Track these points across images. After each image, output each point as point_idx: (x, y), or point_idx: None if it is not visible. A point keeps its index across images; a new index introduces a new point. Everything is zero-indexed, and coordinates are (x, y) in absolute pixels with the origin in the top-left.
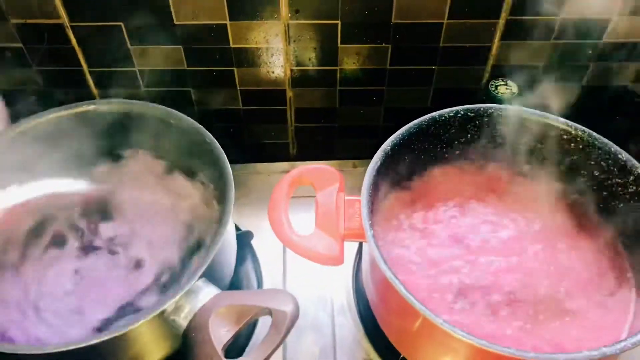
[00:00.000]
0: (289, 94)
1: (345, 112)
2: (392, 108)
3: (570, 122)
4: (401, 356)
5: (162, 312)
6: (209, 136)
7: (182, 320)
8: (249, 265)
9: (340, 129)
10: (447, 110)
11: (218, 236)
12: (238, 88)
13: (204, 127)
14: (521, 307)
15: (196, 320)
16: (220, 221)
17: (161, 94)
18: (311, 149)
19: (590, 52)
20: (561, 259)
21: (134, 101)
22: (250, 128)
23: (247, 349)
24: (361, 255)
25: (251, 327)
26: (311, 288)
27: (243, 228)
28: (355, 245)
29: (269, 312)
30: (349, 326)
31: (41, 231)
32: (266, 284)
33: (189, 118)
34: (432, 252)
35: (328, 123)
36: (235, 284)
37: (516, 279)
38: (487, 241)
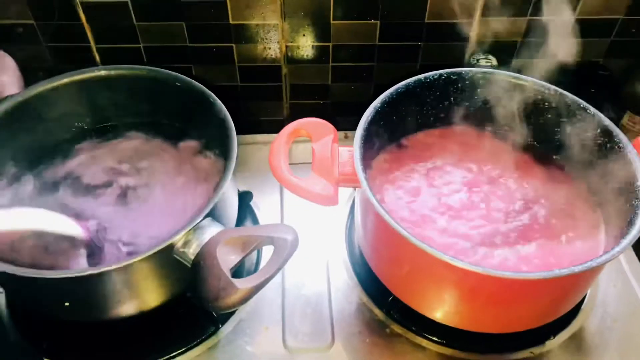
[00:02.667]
0: (284, 70)
1: (337, 88)
2: (381, 85)
3: (543, 82)
4: (391, 297)
5: (171, 245)
6: (210, 93)
7: (191, 254)
8: (248, 224)
9: (333, 105)
10: (432, 72)
11: (222, 180)
12: (236, 64)
13: None
14: (501, 238)
15: (204, 250)
16: (225, 165)
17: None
18: None
19: (563, 28)
20: (533, 201)
21: (140, 66)
22: (247, 105)
23: None
24: (353, 211)
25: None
26: (307, 247)
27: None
28: (347, 204)
29: (271, 240)
30: (343, 274)
31: None
32: None
33: (191, 80)
34: (417, 205)
35: (321, 99)
36: None
37: (493, 218)
38: (468, 193)
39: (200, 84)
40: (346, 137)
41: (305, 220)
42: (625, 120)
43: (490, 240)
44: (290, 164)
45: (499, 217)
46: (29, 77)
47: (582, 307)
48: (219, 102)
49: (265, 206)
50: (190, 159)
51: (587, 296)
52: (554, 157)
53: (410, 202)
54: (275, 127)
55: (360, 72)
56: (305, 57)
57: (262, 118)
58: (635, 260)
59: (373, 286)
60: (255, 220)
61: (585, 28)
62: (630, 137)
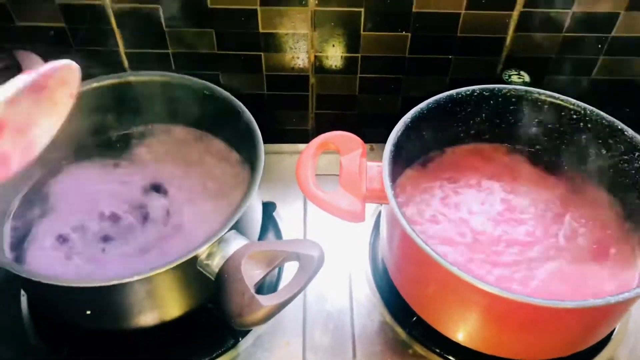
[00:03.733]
0: (312, 80)
1: (364, 99)
2: (409, 97)
3: (579, 102)
4: (415, 317)
5: (195, 257)
6: (238, 102)
7: (215, 267)
8: (271, 235)
9: (359, 116)
10: (465, 88)
11: (248, 192)
12: (264, 73)
13: None
14: (531, 264)
15: (229, 264)
16: (251, 179)
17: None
18: None
19: (599, 45)
20: (568, 227)
21: (170, 73)
22: (272, 114)
23: None
24: (378, 227)
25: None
26: (330, 258)
27: None
28: (373, 218)
29: (297, 256)
30: (366, 291)
31: None
32: None
33: (220, 88)
34: (445, 224)
35: (348, 110)
36: None
37: (525, 242)
38: (499, 214)
39: (228, 93)
40: (372, 149)
41: (328, 233)
42: None
43: (521, 265)
44: (318, 174)
45: (531, 241)
46: None
47: (613, 336)
48: (247, 111)
49: (288, 217)
50: (216, 168)
51: (618, 325)
52: (588, 178)
53: (437, 220)
54: (300, 137)
55: (389, 84)
56: (333, 67)
57: (287, 127)
58: None
59: (397, 304)
60: (277, 232)
61: (621, 46)
62: None
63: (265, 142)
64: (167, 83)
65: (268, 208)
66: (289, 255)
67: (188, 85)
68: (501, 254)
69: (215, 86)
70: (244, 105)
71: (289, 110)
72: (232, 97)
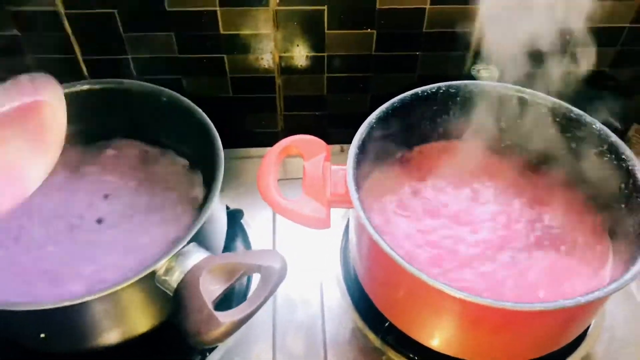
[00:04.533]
0: (278, 81)
1: (333, 99)
2: (378, 95)
3: (546, 96)
4: (388, 322)
5: (153, 273)
6: (196, 108)
7: (174, 282)
8: (238, 243)
9: (329, 117)
10: (430, 86)
11: (208, 202)
12: (228, 75)
13: None
14: (501, 264)
15: (187, 279)
16: (211, 187)
17: (153, 82)
18: None
19: (568, 36)
20: (538, 222)
21: (125, 80)
22: (240, 116)
23: None
24: (348, 230)
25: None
26: (300, 265)
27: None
28: (343, 223)
29: (258, 268)
30: (337, 297)
31: None
32: None
33: (177, 94)
34: (413, 225)
35: (317, 111)
36: None
37: (494, 243)
38: (468, 213)
39: (186, 99)
40: (342, 150)
41: (299, 238)
42: (631, 132)
43: (491, 263)
44: (285, 179)
45: (502, 240)
46: None
47: (589, 332)
48: (205, 117)
49: (257, 224)
50: (176, 178)
51: (593, 321)
52: (558, 173)
53: (406, 223)
54: (269, 140)
55: (357, 83)
56: (299, 67)
57: (256, 130)
58: None
59: (369, 310)
60: (246, 240)
61: (591, 36)
62: (636, 150)
63: (234, 146)
64: (121, 90)
65: (235, 216)
66: (249, 268)
67: (143, 92)
68: (473, 255)
69: (173, 92)
70: (209, 109)
71: (257, 112)
72: (190, 103)
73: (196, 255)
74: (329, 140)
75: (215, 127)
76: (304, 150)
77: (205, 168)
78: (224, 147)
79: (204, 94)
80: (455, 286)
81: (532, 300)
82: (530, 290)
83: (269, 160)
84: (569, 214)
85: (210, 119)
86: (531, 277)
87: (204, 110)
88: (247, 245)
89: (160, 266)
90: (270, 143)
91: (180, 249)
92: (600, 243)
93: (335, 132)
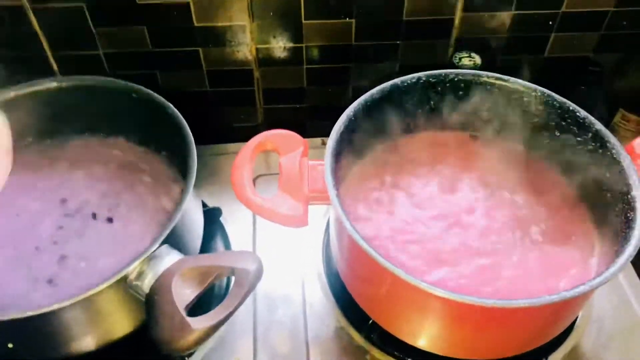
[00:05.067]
0: (256, 73)
1: (313, 91)
2: (359, 87)
3: (529, 84)
4: (371, 320)
5: (125, 278)
6: (168, 104)
7: (146, 287)
8: (218, 242)
9: (309, 109)
10: (409, 76)
11: (181, 201)
12: (204, 69)
13: None
14: (485, 259)
15: (159, 283)
16: (183, 188)
17: (127, 78)
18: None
19: (550, 22)
20: (523, 212)
21: (94, 77)
22: (219, 111)
23: None
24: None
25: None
26: (282, 262)
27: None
28: (325, 219)
29: (232, 271)
30: (319, 296)
31: None
32: None
33: (148, 90)
34: (395, 221)
35: (297, 104)
36: None
37: (478, 236)
38: (451, 208)
39: (156, 94)
40: (323, 143)
41: (279, 235)
42: (617, 118)
43: (476, 258)
44: (267, 174)
45: (486, 232)
46: None
47: (576, 323)
48: (176, 112)
49: (236, 221)
50: (150, 176)
51: (580, 313)
52: (544, 163)
53: (388, 217)
54: (249, 134)
55: (337, 74)
56: (277, 59)
57: (235, 124)
58: (633, 274)
59: (352, 308)
60: (225, 239)
61: (574, 21)
62: (622, 136)
63: (213, 142)
64: (91, 87)
65: (213, 214)
66: (223, 271)
67: (113, 89)
68: (457, 250)
69: (143, 88)
70: (186, 104)
71: (236, 106)
72: (161, 99)
73: (169, 258)
74: (310, 133)
75: (193, 122)
76: (279, 146)
77: (181, 165)
78: (203, 143)
79: (180, 88)
80: (437, 284)
81: (518, 295)
82: (515, 284)
83: (243, 156)
84: (555, 204)
85: (187, 114)
86: (516, 270)
87: (180, 105)
88: (227, 243)
89: (132, 270)
90: (250, 137)
91: (152, 252)
92: (586, 233)
93: (317, 125)
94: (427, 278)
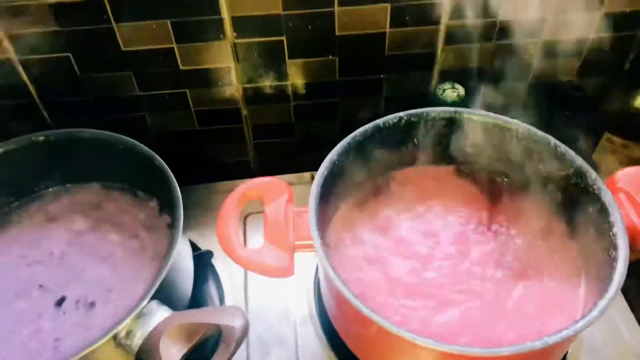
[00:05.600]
0: (244, 111)
1: (301, 126)
2: (346, 120)
3: (509, 119)
4: None
5: (115, 337)
6: (154, 155)
7: (135, 346)
8: (210, 285)
9: (299, 143)
10: (391, 116)
11: (169, 254)
12: (192, 109)
13: (161, 151)
14: (473, 306)
15: (148, 343)
16: (171, 240)
17: (116, 121)
18: (272, 164)
19: (532, 50)
20: (511, 253)
21: (79, 130)
22: (208, 148)
23: None
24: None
25: None
26: (274, 303)
27: (205, 248)
28: (316, 259)
29: (217, 329)
30: (312, 337)
31: None
32: (228, 302)
33: (134, 141)
34: (382, 264)
35: (286, 138)
36: (194, 305)
37: (467, 279)
38: (438, 246)
39: (143, 145)
40: (312, 177)
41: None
42: (603, 141)
43: (468, 301)
44: (258, 212)
45: (474, 272)
46: None
47: (567, 357)
48: (162, 163)
49: (228, 262)
50: (142, 227)
51: (570, 349)
52: (529, 197)
53: (375, 261)
54: (241, 170)
55: (324, 109)
56: (264, 97)
57: (227, 161)
58: (624, 306)
59: (345, 350)
60: (218, 282)
61: (555, 48)
62: (608, 160)
63: (206, 180)
64: (78, 140)
65: (204, 258)
66: (209, 329)
67: (100, 140)
68: (446, 293)
69: (130, 139)
70: (176, 144)
71: (226, 143)
72: (147, 149)
73: (158, 315)
74: (300, 167)
75: (185, 160)
76: (264, 194)
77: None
78: (194, 182)
79: (169, 128)
80: (424, 331)
81: (507, 338)
82: (504, 326)
83: (227, 209)
84: (542, 239)
85: (178, 152)
86: (506, 312)
87: (171, 145)
88: (219, 286)
89: (122, 329)
90: (242, 173)
91: (141, 309)
92: (574, 268)
93: (307, 158)
94: (431, 322)
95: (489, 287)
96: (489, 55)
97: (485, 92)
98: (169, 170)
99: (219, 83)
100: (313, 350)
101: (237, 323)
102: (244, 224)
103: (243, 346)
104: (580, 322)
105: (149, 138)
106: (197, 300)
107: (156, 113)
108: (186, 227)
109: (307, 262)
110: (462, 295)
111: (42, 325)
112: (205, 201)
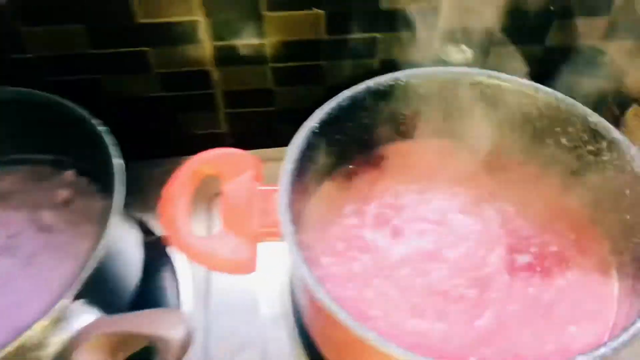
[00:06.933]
0: (215, 75)
1: (282, 93)
2: (334, 86)
3: (529, 82)
4: None
5: (21, 347)
6: (83, 113)
7: (47, 357)
8: (165, 278)
9: (278, 113)
10: (385, 76)
11: (102, 240)
12: (155, 71)
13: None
14: (467, 305)
15: (63, 355)
16: (104, 225)
17: (63, 84)
18: (249, 137)
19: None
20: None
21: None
22: (177, 118)
23: None
24: None
25: None
26: (241, 300)
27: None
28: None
29: (152, 340)
30: (284, 340)
31: None
32: (185, 300)
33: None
34: (366, 257)
35: (264, 107)
36: (143, 306)
37: (469, 278)
38: (435, 234)
39: (74, 105)
40: None
41: None
42: (629, 116)
43: (467, 303)
44: None
45: (476, 271)
46: None
47: None
48: (94, 123)
49: None
50: (74, 206)
51: None
52: (548, 178)
53: (355, 253)
54: (213, 141)
55: (308, 73)
56: (238, 58)
57: (197, 132)
58: None
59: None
60: (174, 273)
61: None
62: (636, 136)
63: (170, 154)
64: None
65: (158, 245)
66: (140, 340)
67: (25, 101)
68: (438, 294)
69: (58, 97)
70: (136, 111)
71: (194, 112)
72: (77, 107)
73: (82, 319)
74: (282, 141)
75: (150, 130)
76: (223, 169)
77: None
78: (156, 156)
79: (129, 94)
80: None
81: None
82: (517, 338)
83: (174, 187)
84: (562, 229)
85: (141, 123)
86: (516, 323)
87: (132, 114)
88: (175, 281)
89: (29, 337)
90: (215, 145)
91: (59, 312)
92: (601, 265)
93: (289, 130)
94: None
95: (498, 286)
96: (502, 13)
97: (494, 55)
98: (102, 131)
99: (186, 40)
100: (284, 355)
101: (174, 334)
102: (209, 208)
103: (201, 352)
104: (613, 342)
105: (104, 105)
106: (146, 299)
107: (114, 75)
108: (140, 208)
109: (281, 252)
110: (464, 299)
111: None
112: (166, 178)
